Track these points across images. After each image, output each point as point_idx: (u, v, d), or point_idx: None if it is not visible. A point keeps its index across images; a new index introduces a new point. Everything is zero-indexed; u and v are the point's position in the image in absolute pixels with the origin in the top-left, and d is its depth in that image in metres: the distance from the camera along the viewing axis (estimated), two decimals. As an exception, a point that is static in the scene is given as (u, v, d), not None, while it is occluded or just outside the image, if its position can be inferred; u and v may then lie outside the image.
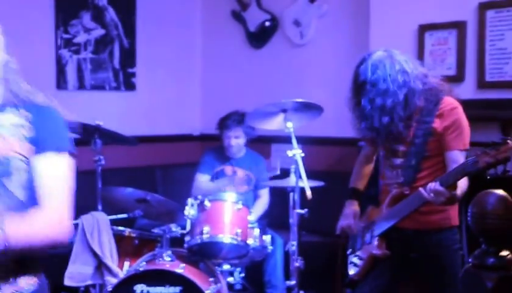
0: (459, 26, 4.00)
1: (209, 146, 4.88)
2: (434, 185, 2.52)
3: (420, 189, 2.58)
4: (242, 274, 3.72)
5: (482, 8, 3.88)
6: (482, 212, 1.53)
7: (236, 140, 4.40)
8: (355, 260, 2.99)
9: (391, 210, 2.81)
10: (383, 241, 2.85)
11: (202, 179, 4.45)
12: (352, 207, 3.03)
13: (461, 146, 2.71)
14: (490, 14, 3.85)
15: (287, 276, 3.71)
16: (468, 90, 3.91)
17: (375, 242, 2.87)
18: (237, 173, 4.47)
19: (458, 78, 3.97)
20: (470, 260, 1.53)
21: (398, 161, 2.81)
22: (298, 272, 3.38)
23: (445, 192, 2.50)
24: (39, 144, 1.60)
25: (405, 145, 2.78)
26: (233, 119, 4.37)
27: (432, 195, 2.52)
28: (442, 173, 2.71)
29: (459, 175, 2.49)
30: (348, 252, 3.08)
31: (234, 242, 3.39)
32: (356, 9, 4.82)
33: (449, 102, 2.73)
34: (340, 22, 4.97)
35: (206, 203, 3.45)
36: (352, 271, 3.00)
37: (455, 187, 2.53)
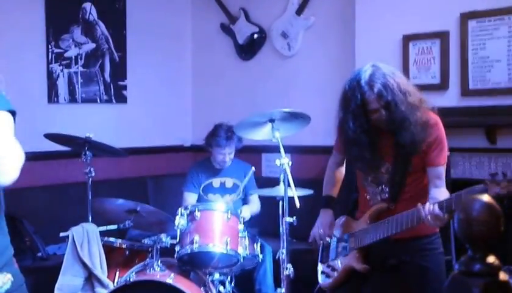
0: (442, 36, 4.07)
1: (198, 159, 4.91)
2: (433, 208, 2.49)
3: (420, 208, 2.54)
4: (233, 283, 3.75)
5: (464, 18, 3.96)
6: (468, 218, 1.52)
7: (229, 156, 4.42)
8: (327, 270, 2.98)
9: (376, 225, 2.78)
10: (362, 254, 2.84)
11: (190, 199, 4.43)
12: (327, 216, 3.05)
13: (443, 161, 2.73)
14: (472, 24, 3.94)
15: (277, 284, 3.73)
16: (452, 97, 3.98)
17: (355, 255, 2.85)
18: (225, 184, 4.50)
19: (442, 86, 4.04)
20: (456, 266, 1.55)
21: (383, 177, 2.81)
22: (288, 280, 3.40)
23: (444, 219, 2.48)
24: None
25: (388, 162, 2.78)
26: (226, 136, 4.33)
27: (429, 217, 2.49)
28: (423, 187, 2.74)
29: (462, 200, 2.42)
30: (319, 260, 3.08)
31: (224, 251, 3.39)
32: (342, 21, 4.89)
33: (430, 117, 2.72)
34: (326, 33, 5.04)
35: (196, 213, 3.46)
36: (322, 281, 3.00)
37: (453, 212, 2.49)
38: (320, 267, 3.07)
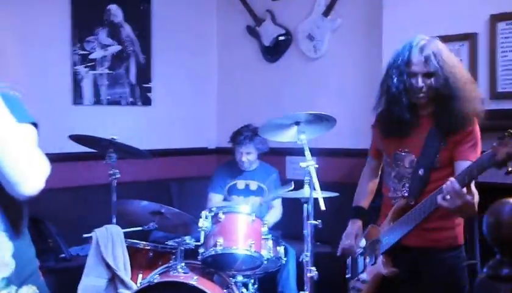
0: (470, 38, 4.02)
1: (222, 161, 4.91)
2: (450, 184, 2.31)
3: (438, 191, 2.40)
4: (256, 286, 3.73)
5: (493, 20, 3.90)
6: (497, 221, 1.49)
7: (247, 156, 4.43)
8: (358, 285, 2.90)
9: (397, 223, 2.69)
10: (389, 258, 2.74)
11: (215, 200, 4.47)
12: (355, 227, 2.97)
13: (474, 157, 2.54)
14: (501, 26, 3.88)
15: (300, 287, 3.71)
16: (481, 100, 3.92)
17: (381, 260, 2.75)
18: (250, 186, 4.50)
19: (470, 89, 3.97)
20: (484, 270, 1.51)
21: (406, 171, 2.71)
22: (311, 283, 3.37)
23: (462, 193, 2.29)
24: None
25: (414, 154, 2.69)
26: (245, 135, 4.37)
27: (448, 197, 2.32)
28: None
29: (475, 171, 2.26)
30: (347, 276, 3.02)
31: (248, 253, 3.38)
32: (369, 23, 4.85)
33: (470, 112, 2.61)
34: (353, 35, 5.00)
35: (220, 215, 3.45)
36: None
37: (470, 190, 2.33)
38: (350, 283, 2.99)
